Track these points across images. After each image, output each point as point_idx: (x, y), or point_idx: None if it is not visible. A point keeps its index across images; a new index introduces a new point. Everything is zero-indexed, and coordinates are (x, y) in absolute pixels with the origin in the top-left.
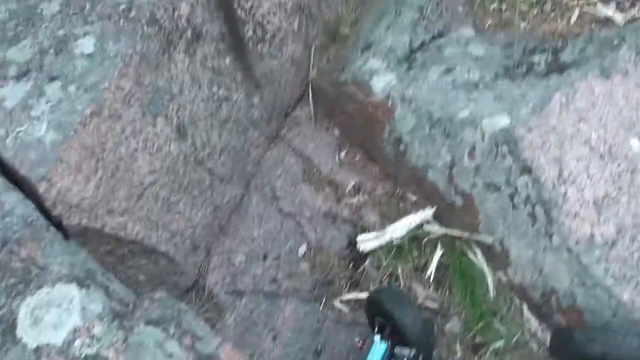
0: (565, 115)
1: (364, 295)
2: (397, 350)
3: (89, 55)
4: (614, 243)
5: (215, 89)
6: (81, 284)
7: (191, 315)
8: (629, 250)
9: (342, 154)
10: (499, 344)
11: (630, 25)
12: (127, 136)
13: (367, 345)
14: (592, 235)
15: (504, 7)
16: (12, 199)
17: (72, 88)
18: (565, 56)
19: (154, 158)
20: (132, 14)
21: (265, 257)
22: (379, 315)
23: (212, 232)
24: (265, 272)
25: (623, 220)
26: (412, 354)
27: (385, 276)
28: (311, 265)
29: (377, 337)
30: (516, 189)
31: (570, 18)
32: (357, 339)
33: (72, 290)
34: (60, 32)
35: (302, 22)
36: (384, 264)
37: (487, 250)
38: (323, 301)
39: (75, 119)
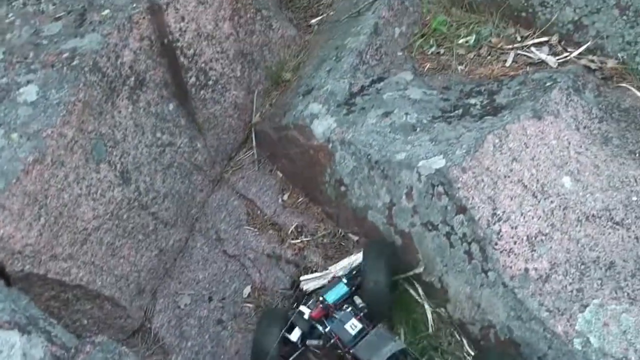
0: (499, 155)
1: None
2: (356, 298)
3: (32, 103)
4: (547, 277)
5: (158, 134)
6: (23, 330)
7: (133, 359)
8: (562, 284)
9: (285, 196)
10: None
11: (562, 67)
12: (70, 183)
13: (333, 282)
14: (526, 271)
15: (442, 51)
16: None
17: (14, 135)
18: (500, 98)
19: (97, 204)
20: (75, 62)
21: (210, 299)
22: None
23: (157, 275)
24: (210, 313)
25: (556, 255)
26: (365, 308)
27: None
28: (256, 306)
29: (344, 280)
30: (452, 227)
31: (505, 61)
32: None
33: (14, 336)
34: (3, 80)
35: (244, 68)
36: None
37: (428, 287)
38: None
39: (17, 166)
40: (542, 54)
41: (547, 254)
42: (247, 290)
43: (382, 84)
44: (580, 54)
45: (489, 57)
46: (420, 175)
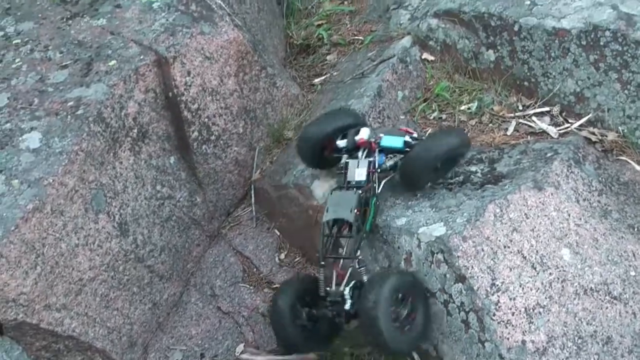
0: (499, 225)
1: None
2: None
3: (34, 150)
4: (544, 351)
5: (158, 187)
6: None
7: None
8: (559, 358)
9: (282, 255)
10: None
11: (563, 138)
12: (68, 232)
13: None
14: (523, 343)
15: (444, 116)
16: None
17: (15, 182)
18: (501, 167)
19: (94, 254)
20: (80, 111)
21: (202, 356)
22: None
23: (150, 329)
24: None
25: (554, 328)
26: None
27: None
28: None
29: (408, 137)
30: (451, 295)
31: (507, 129)
32: None
33: None
34: (7, 126)
35: (247, 125)
36: None
37: (423, 354)
38: None
39: (17, 213)
40: (544, 124)
41: (545, 326)
42: (240, 348)
43: None
44: (581, 125)
45: (490, 125)
46: (420, 241)
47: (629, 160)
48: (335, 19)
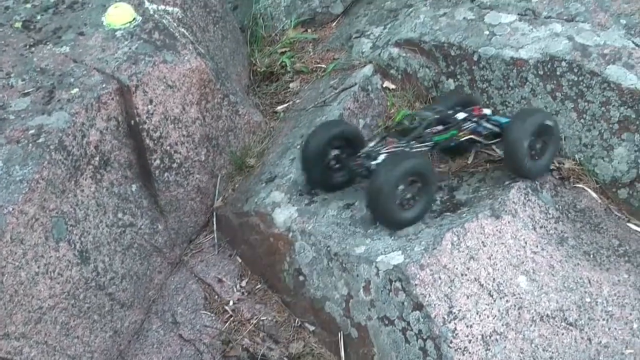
0: (457, 253)
1: None
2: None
3: None
4: None
5: (120, 214)
6: None
7: None
8: None
9: (244, 282)
10: None
11: None
12: (28, 260)
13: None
14: None
15: None
16: None
17: None
18: (460, 195)
19: (54, 282)
20: (41, 139)
21: None
22: None
23: (110, 356)
24: None
25: (510, 355)
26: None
27: None
28: None
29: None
30: (409, 323)
31: (468, 157)
32: None
33: None
34: None
35: (209, 152)
36: None
37: None
38: None
39: None
40: (502, 152)
41: (502, 353)
42: None
43: None
44: None
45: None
46: (379, 270)
47: (586, 188)
48: (298, 47)
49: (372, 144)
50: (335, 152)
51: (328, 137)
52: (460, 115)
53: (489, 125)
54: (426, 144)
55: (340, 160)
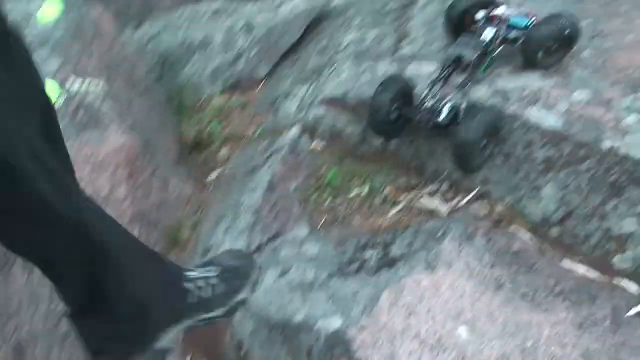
0: (395, 311)
1: None
2: None
3: None
4: None
5: (54, 304)
6: None
7: None
8: None
9: (188, 358)
10: None
11: (453, 215)
12: None
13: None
14: None
15: (337, 202)
16: None
17: None
18: (395, 250)
19: None
20: None
21: None
22: None
23: None
24: None
25: None
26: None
27: None
28: None
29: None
30: None
31: (400, 211)
32: None
33: None
34: None
35: (142, 229)
36: None
37: None
38: None
39: None
40: (434, 202)
41: None
42: None
43: (278, 241)
44: (469, 200)
45: (382, 207)
46: (319, 336)
47: (518, 230)
48: (226, 113)
49: (425, 92)
50: (395, 104)
51: (393, 93)
52: (488, 34)
53: (513, 33)
54: (476, 78)
55: (402, 115)
